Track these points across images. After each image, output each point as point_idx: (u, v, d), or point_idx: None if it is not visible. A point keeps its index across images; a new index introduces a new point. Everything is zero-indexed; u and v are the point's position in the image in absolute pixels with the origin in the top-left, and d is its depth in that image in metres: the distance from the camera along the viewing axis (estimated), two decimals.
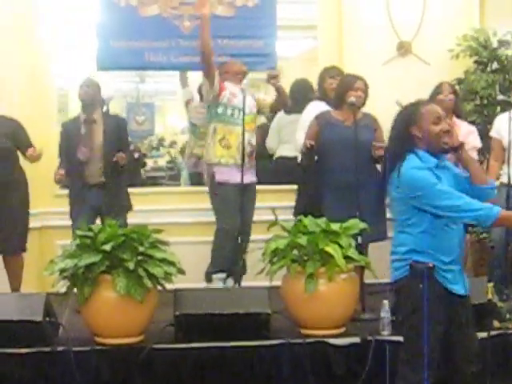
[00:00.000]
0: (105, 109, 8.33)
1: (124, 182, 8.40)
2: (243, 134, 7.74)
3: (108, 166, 8.01)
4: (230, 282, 7.99)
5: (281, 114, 9.51)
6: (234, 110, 8.04)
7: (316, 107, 8.12)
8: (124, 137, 8.50)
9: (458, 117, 8.06)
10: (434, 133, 4.95)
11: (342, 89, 7.71)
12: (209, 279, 7.95)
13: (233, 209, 7.94)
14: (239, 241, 7.93)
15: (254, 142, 8.12)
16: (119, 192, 8.24)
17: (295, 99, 9.27)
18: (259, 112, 8.61)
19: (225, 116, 8.04)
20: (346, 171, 7.45)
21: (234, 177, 7.91)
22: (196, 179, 9.94)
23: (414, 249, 5.03)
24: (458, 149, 5.03)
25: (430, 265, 4.90)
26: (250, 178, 8.11)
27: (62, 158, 8.20)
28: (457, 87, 8.98)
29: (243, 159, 7.80)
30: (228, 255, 8.02)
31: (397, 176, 4.98)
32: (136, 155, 8.99)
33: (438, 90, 8.04)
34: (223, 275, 7.94)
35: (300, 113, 8.51)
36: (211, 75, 7.92)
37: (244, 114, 7.83)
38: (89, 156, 7.94)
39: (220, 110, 8.04)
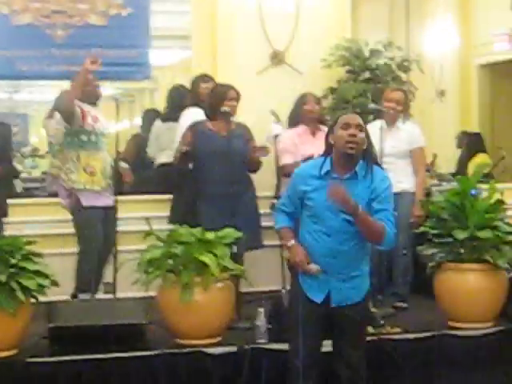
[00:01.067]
0: None
1: (2, 187, 8.25)
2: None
3: None
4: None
5: (158, 122, 9.43)
6: (97, 136, 7.94)
7: (192, 114, 8.15)
8: (7, 143, 8.38)
9: (322, 123, 8.24)
10: (339, 136, 5.06)
11: (215, 99, 7.72)
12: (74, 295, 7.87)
13: (97, 231, 7.93)
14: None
15: (112, 163, 8.04)
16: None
17: (171, 106, 9.28)
18: None
19: (89, 143, 7.89)
20: (221, 181, 7.48)
21: (99, 201, 7.87)
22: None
23: None
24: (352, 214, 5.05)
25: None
26: (112, 199, 8.02)
27: None
28: (330, 96, 9.13)
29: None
30: (91, 276, 7.95)
31: None
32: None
33: (302, 100, 8.16)
34: (88, 295, 7.86)
35: (176, 120, 8.51)
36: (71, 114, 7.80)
37: (104, 136, 7.91)
38: None
39: (84, 137, 7.86)
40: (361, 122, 5.24)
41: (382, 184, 5.15)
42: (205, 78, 8.53)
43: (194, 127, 7.73)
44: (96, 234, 7.92)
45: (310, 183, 5.13)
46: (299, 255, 5.22)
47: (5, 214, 8.11)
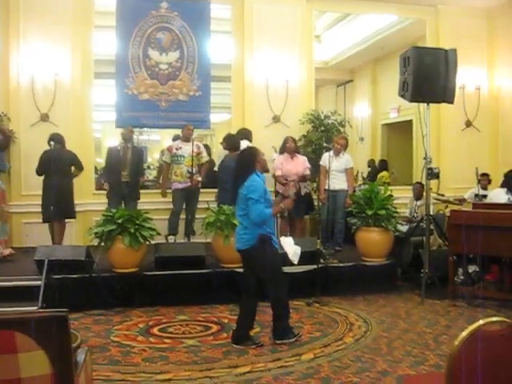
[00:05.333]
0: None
1: (138, 182, 8.30)
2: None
3: (132, 173, 7.96)
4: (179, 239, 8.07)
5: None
6: (179, 157, 8.03)
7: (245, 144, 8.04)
8: (142, 159, 8.48)
9: (298, 153, 8.28)
10: (264, 163, 5.30)
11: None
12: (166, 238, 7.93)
13: (180, 200, 8.04)
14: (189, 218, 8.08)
15: (190, 170, 7.97)
16: (135, 187, 8.09)
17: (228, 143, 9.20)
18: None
19: (175, 160, 8.05)
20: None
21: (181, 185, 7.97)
22: None
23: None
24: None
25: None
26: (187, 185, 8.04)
27: (106, 168, 8.22)
28: (302, 139, 9.12)
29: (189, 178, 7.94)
30: (174, 226, 8.03)
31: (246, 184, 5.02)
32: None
33: (285, 140, 8.19)
34: (173, 238, 7.96)
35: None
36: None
37: (185, 157, 7.99)
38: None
39: (172, 158, 8.07)
40: None
41: None
42: (247, 129, 8.60)
43: None
44: (179, 202, 8.00)
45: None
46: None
47: (138, 198, 8.12)
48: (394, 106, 12.06)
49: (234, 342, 5.17)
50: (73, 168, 7.89)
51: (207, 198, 8.18)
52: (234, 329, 5.28)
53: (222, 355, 4.92)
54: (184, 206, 8.14)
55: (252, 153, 5.22)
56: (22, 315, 2.51)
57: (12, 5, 8.45)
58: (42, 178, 7.65)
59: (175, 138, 9.13)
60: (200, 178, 8.11)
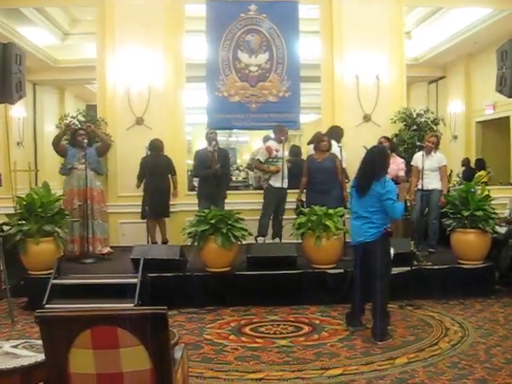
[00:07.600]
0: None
1: (226, 182, 8.47)
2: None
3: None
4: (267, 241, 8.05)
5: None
6: (279, 159, 7.97)
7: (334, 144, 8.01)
8: (228, 159, 8.57)
9: (393, 151, 8.01)
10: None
11: (315, 141, 7.83)
12: (256, 239, 7.89)
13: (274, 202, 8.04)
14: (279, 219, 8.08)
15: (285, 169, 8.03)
16: (223, 188, 8.16)
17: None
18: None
19: (274, 161, 8.00)
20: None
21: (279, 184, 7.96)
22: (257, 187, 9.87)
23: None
24: None
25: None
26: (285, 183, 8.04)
27: (195, 170, 8.36)
28: (394, 139, 8.92)
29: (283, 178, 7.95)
30: (265, 228, 8.03)
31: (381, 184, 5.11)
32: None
33: (380, 140, 8.01)
34: (263, 238, 7.97)
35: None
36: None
37: (280, 159, 7.94)
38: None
39: (272, 159, 8.00)
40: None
41: None
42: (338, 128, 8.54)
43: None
44: (273, 202, 8.02)
45: None
46: None
47: (225, 197, 8.16)
48: (489, 102, 11.60)
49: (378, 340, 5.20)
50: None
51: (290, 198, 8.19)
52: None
53: (313, 356, 4.89)
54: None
55: (388, 154, 5.39)
56: (125, 312, 2.60)
57: (108, 15, 8.81)
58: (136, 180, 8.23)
59: (266, 139, 9.14)
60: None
